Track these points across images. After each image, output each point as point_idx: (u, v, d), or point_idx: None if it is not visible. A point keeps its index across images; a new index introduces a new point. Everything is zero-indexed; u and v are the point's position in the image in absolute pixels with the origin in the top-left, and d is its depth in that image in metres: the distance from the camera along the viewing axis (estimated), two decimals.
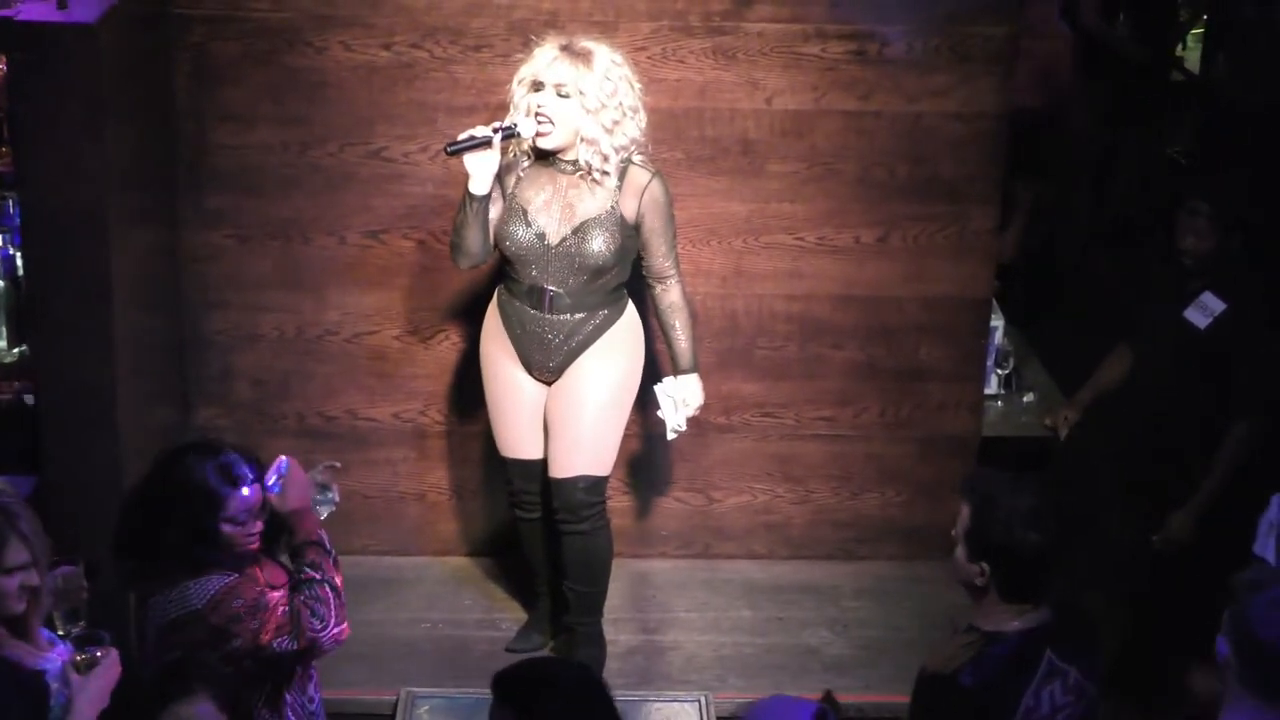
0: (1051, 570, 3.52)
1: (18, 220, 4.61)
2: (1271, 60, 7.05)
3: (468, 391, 5.24)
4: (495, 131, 4.46)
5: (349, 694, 4.74)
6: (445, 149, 4.52)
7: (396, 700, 4.81)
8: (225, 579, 3.65)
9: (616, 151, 4.56)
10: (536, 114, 4.51)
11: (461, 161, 4.50)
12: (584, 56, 4.51)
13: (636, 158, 4.63)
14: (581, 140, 4.54)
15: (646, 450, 5.47)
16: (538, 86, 4.52)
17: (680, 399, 4.80)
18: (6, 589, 3.34)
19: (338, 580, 3.76)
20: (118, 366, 4.54)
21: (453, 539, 5.59)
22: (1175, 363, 5.00)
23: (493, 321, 4.81)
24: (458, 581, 5.47)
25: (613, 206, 4.59)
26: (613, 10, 5.12)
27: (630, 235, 4.63)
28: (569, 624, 4.96)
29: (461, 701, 4.80)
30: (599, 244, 4.58)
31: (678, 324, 4.76)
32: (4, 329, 4.73)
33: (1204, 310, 4.94)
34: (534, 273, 4.64)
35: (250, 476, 3.71)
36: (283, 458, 3.82)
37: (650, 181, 4.61)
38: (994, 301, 5.68)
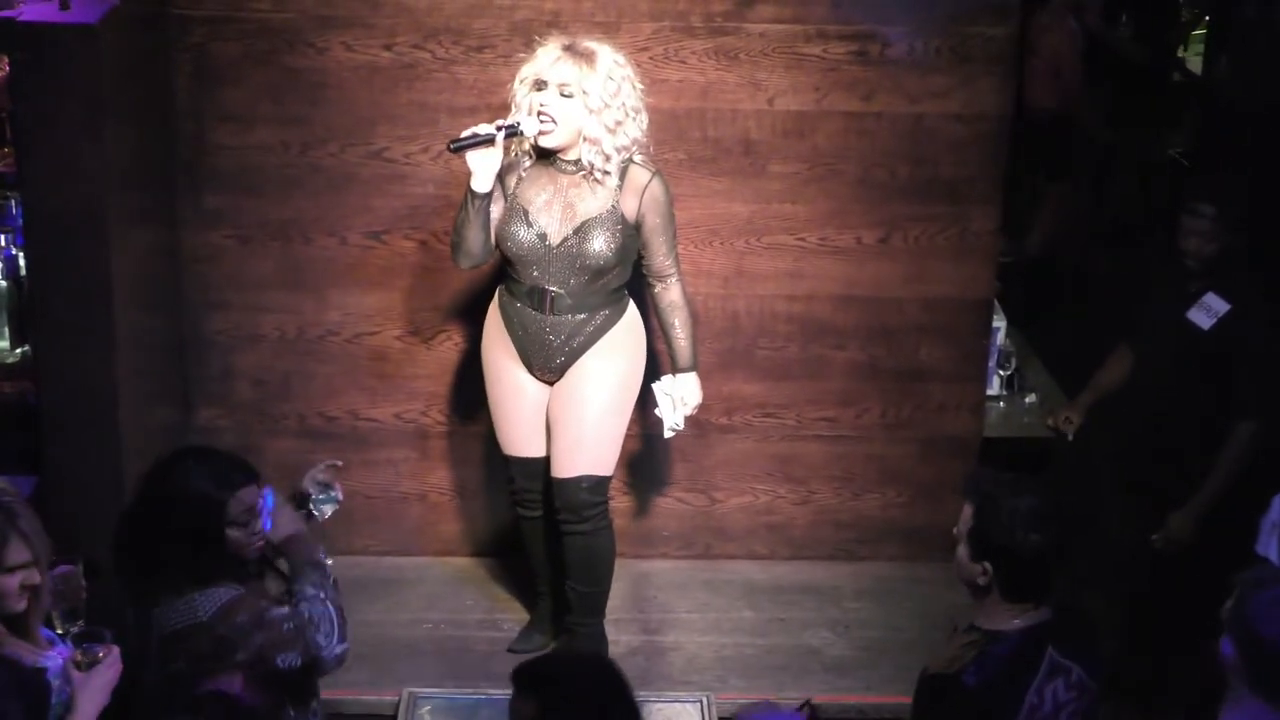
0: (1053, 570, 3.53)
1: (20, 220, 4.61)
2: (1272, 61, 7.06)
3: (469, 392, 5.24)
4: (498, 129, 4.46)
5: (350, 694, 4.74)
6: (448, 146, 4.52)
7: (398, 701, 4.81)
8: (231, 592, 3.62)
9: (618, 151, 4.56)
10: (539, 113, 4.52)
11: (464, 159, 4.50)
12: (587, 56, 4.51)
13: (637, 157, 4.63)
14: (584, 140, 4.55)
15: (648, 451, 5.47)
16: (540, 85, 4.52)
17: (678, 397, 4.81)
18: (7, 588, 3.34)
19: (339, 600, 3.75)
20: (119, 367, 4.54)
21: (454, 539, 5.59)
22: (1176, 363, 4.99)
23: (494, 322, 4.81)
24: (459, 582, 5.47)
25: (613, 206, 4.60)
26: (615, 11, 5.12)
27: (631, 235, 4.63)
28: (570, 625, 4.96)
29: (463, 702, 4.80)
30: (600, 244, 4.58)
31: (677, 323, 4.77)
32: (6, 329, 4.73)
33: (1207, 311, 4.93)
34: (535, 273, 4.64)
35: (242, 477, 3.70)
36: (266, 491, 3.74)
37: (651, 180, 4.62)
38: (996, 302, 5.68)
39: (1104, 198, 8.09)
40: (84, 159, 4.38)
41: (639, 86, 4.60)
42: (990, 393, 5.72)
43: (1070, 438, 5.37)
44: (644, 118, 4.61)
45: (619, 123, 4.53)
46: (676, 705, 4.86)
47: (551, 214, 4.61)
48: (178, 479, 3.66)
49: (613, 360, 4.72)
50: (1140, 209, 8.24)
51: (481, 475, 5.50)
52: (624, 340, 4.74)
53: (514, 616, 5.24)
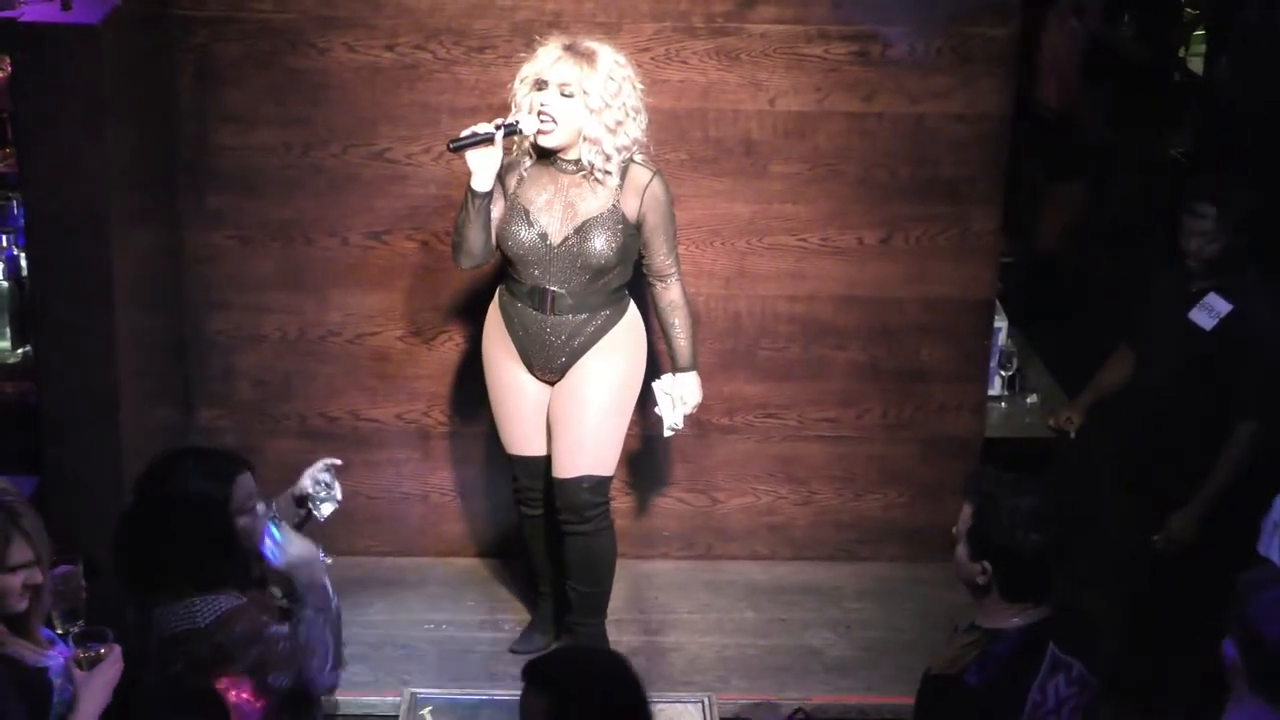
0: (1053, 570, 3.53)
1: (21, 221, 4.61)
2: (1273, 62, 7.05)
3: (471, 392, 5.24)
4: (498, 128, 4.47)
5: (352, 695, 4.74)
6: (448, 145, 4.52)
7: (399, 701, 4.81)
8: (232, 601, 3.61)
9: (619, 151, 4.56)
10: (539, 112, 4.52)
11: (464, 159, 4.51)
12: (588, 56, 4.52)
13: (638, 157, 4.63)
14: (584, 140, 4.55)
15: (649, 451, 5.47)
16: (541, 85, 4.53)
17: (678, 396, 4.81)
18: (10, 587, 3.35)
19: (339, 627, 3.74)
20: (120, 367, 4.54)
21: (456, 540, 5.59)
22: (1178, 364, 4.99)
23: (494, 322, 4.81)
24: (461, 582, 5.47)
25: (614, 206, 4.60)
26: (616, 11, 5.12)
27: (631, 234, 4.63)
28: (572, 625, 4.96)
29: (464, 702, 4.80)
30: (601, 243, 4.58)
31: (677, 322, 4.77)
32: (7, 330, 4.73)
33: (1209, 311, 4.93)
34: (536, 273, 4.64)
35: (237, 466, 3.69)
36: (269, 524, 3.72)
37: (651, 180, 4.62)
38: (997, 303, 5.68)
39: (1104, 198, 8.08)
40: (85, 159, 4.38)
41: (639, 86, 4.61)
42: (991, 393, 5.72)
43: (1072, 436, 5.37)
44: (644, 118, 4.61)
45: (619, 123, 4.54)
46: (678, 706, 4.85)
47: (552, 214, 4.61)
48: (178, 480, 3.66)
49: (613, 360, 4.72)
50: (1141, 209, 8.23)
51: (483, 476, 5.50)
52: (625, 340, 4.74)
53: (515, 617, 5.24)
